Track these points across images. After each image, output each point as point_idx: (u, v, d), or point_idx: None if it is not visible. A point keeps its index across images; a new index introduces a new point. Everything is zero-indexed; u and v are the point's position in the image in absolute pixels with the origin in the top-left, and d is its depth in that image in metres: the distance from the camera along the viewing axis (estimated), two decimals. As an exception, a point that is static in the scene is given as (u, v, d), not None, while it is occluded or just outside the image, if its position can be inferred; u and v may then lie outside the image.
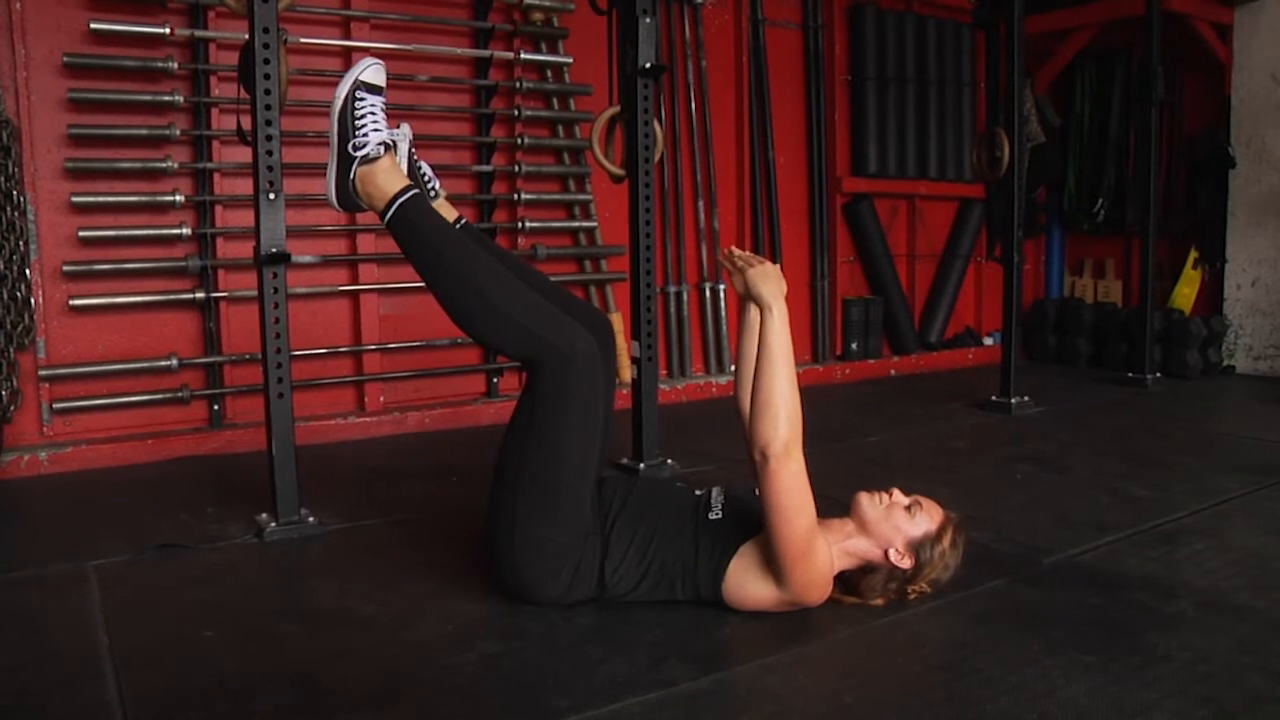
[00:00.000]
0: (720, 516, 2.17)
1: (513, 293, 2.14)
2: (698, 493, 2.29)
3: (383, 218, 2.21)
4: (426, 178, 2.41)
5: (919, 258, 6.50)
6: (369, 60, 2.21)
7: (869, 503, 2.18)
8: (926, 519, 2.16)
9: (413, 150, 2.38)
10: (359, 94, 2.18)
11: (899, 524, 2.15)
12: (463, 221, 2.45)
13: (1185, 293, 6.32)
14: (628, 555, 2.15)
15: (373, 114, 2.19)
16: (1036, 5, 5.75)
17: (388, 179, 2.19)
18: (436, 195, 2.44)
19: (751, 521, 2.14)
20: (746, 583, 2.10)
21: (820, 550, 2.06)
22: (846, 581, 2.19)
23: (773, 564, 2.05)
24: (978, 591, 2.34)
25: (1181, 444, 4.07)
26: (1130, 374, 5.66)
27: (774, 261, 5.60)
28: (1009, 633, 2.10)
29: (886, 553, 2.14)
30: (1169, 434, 4.28)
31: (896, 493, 2.21)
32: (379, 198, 2.20)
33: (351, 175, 2.20)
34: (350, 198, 2.24)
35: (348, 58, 4.30)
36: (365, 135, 2.18)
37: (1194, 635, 2.08)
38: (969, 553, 2.25)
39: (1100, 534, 2.79)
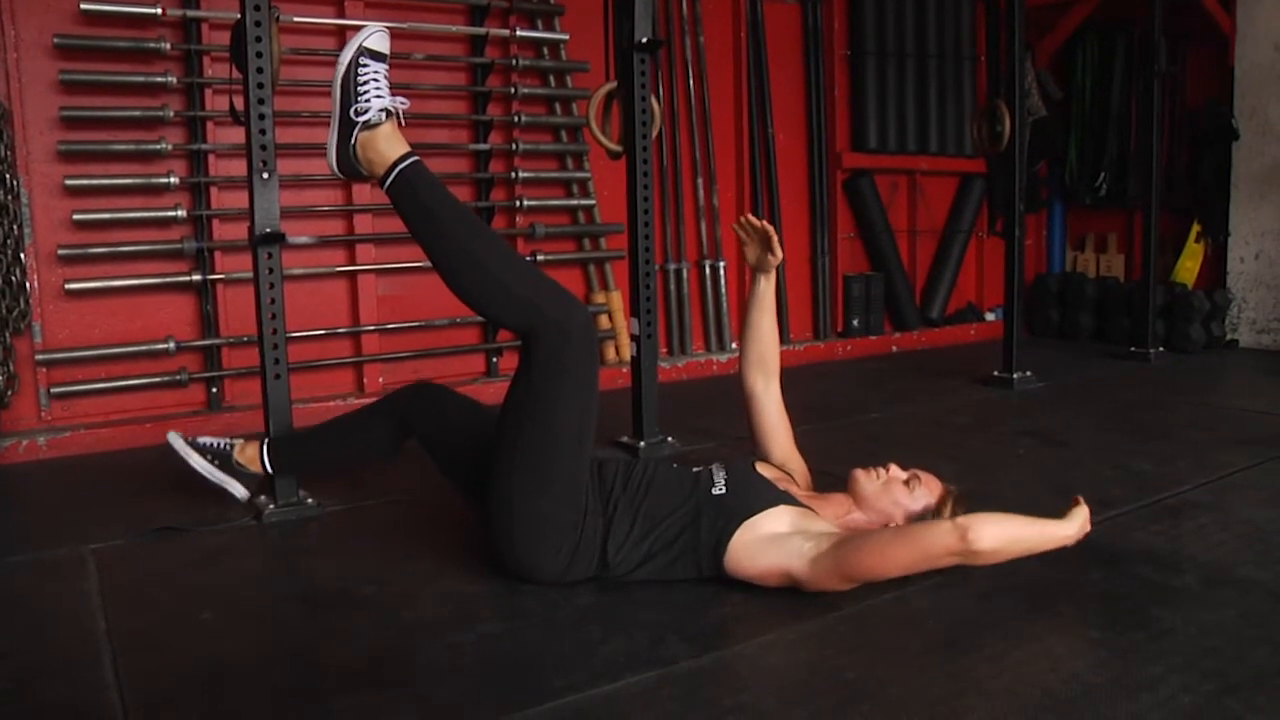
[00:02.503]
0: (724, 491, 2.15)
1: (511, 263, 2.14)
2: (696, 469, 2.27)
3: (383, 184, 2.20)
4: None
5: (920, 233, 6.47)
6: (374, 26, 2.20)
7: (866, 479, 2.19)
8: (926, 493, 2.15)
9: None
10: (362, 60, 2.17)
11: (898, 499, 2.15)
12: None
13: (1188, 266, 6.29)
14: (631, 534, 2.14)
15: (375, 80, 2.18)
16: (1037, -23, 5.71)
17: (389, 145, 2.18)
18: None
19: (753, 494, 2.13)
20: (756, 554, 2.07)
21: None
22: None
23: (832, 556, 2.01)
24: (981, 567, 2.32)
25: (1185, 418, 4.05)
26: (1133, 348, 5.63)
27: (776, 237, 5.60)
28: (1012, 608, 2.09)
29: (887, 527, 2.13)
30: (1172, 408, 4.26)
31: (894, 467, 2.21)
32: (379, 163, 2.19)
33: (353, 140, 2.19)
34: (351, 163, 2.23)
35: (342, 36, 4.26)
36: (368, 101, 2.16)
37: (1199, 609, 2.07)
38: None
39: (1104, 508, 2.77)
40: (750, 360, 2.55)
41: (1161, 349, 5.65)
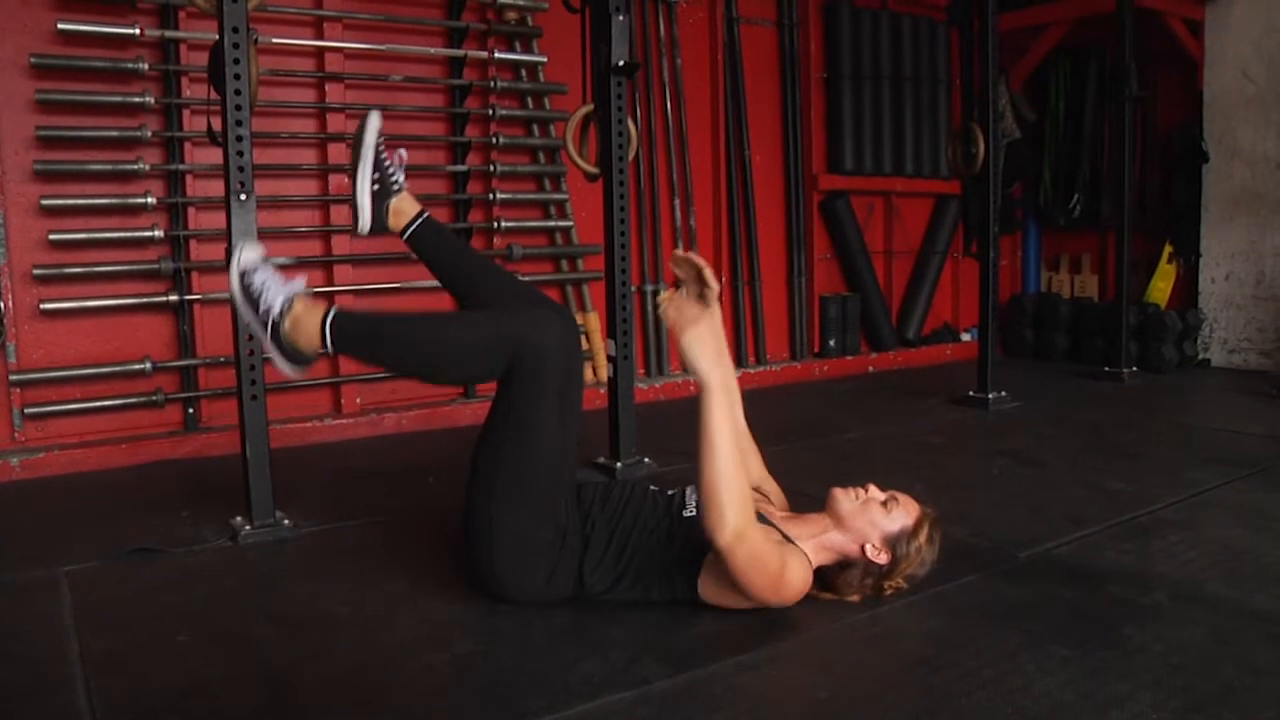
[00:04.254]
0: (694, 514, 2.16)
1: (467, 320, 2.23)
2: (670, 492, 2.28)
3: (327, 351, 2.21)
4: (392, 175, 2.48)
5: (896, 254, 6.52)
6: (240, 246, 2.24)
7: (844, 498, 2.19)
8: (903, 514, 2.17)
9: (381, 146, 2.46)
10: (245, 281, 2.21)
11: (875, 519, 2.15)
12: (425, 215, 2.50)
13: (1160, 287, 6.36)
14: (606, 555, 2.15)
15: (265, 283, 2.21)
16: (1010, 2, 5.78)
17: (309, 319, 2.18)
18: (400, 189, 2.49)
19: None
20: (723, 583, 2.08)
21: (793, 571, 2.05)
22: (823, 577, 2.19)
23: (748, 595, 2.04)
24: (954, 586, 2.35)
25: (1157, 437, 4.09)
26: (1107, 368, 5.68)
27: (750, 260, 5.63)
28: (985, 627, 2.11)
29: (863, 548, 2.15)
30: (1145, 427, 4.30)
31: (873, 488, 2.22)
32: (313, 336, 2.18)
33: (282, 339, 2.20)
34: (298, 356, 2.23)
35: (320, 58, 4.28)
36: (269, 302, 2.19)
37: (1168, 627, 2.09)
38: (945, 547, 2.25)
39: (1076, 527, 2.80)
40: None
41: (1135, 368, 5.70)
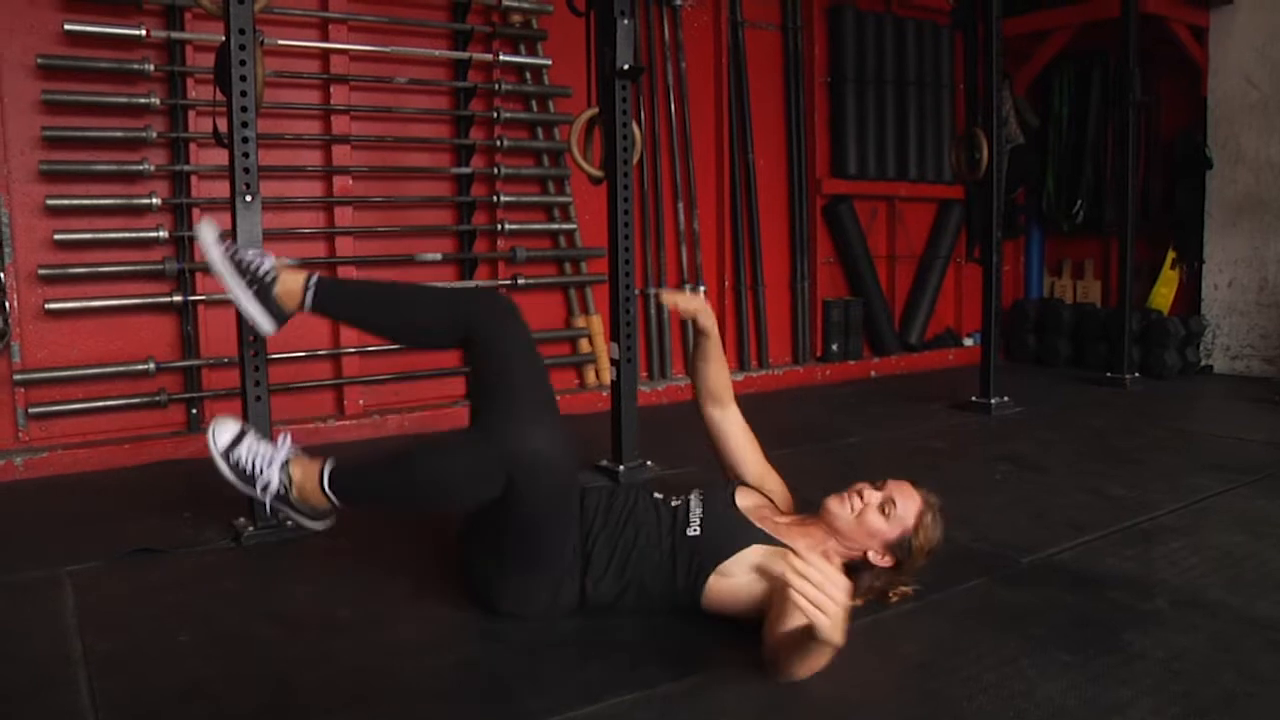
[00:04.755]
0: (698, 533, 2.14)
1: (456, 443, 2.12)
2: (674, 503, 2.24)
3: (333, 501, 2.17)
4: (258, 267, 2.35)
5: (899, 259, 6.52)
6: (212, 429, 2.21)
7: (840, 512, 2.15)
8: (900, 517, 2.13)
9: (229, 250, 2.35)
10: (231, 462, 2.19)
11: (874, 529, 2.13)
12: (313, 278, 2.37)
13: (1163, 293, 6.37)
14: (608, 571, 2.13)
15: (253, 456, 2.19)
16: (1014, 7, 5.78)
17: (308, 484, 2.16)
18: (274, 275, 2.35)
19: (726, 536, 2.13)
20: (728, 600, 2.09)
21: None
22: None
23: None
24: (956, 591, 2.35)
25: (1159, 443, 4.09)
26: (1109, 374, 5.68)
27: (753, 264, 5.64)
28: (986, 632, 2.11)
29: (865, 555, 2.14)
30: (1147, 433, 4.30)
31: (867, 492, 2.17)
32: (317, 495, 2.16)
33: (295, 504, 2.19)
34: (317, 513, 2.24)
35: (326, 60, 4.29)
36: (268, 476, 2.17)
37: (1170, 633, 2.10)
38: (947, 553, 2.25)
39: (1078, 533, 2.80)
40: (701, 395, 2.56)
41: (1137, 374, 5.70)
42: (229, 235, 2.43)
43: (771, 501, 2.41)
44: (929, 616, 2.20)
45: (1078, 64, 6.64)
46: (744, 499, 2.31)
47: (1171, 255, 6.35)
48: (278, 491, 2.15)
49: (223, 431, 2.19)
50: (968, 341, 6.73)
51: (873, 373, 6.12)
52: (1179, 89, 6.33)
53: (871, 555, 2.14)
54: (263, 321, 2.34)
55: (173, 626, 2.15)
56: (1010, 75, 6.44)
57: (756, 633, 1.93)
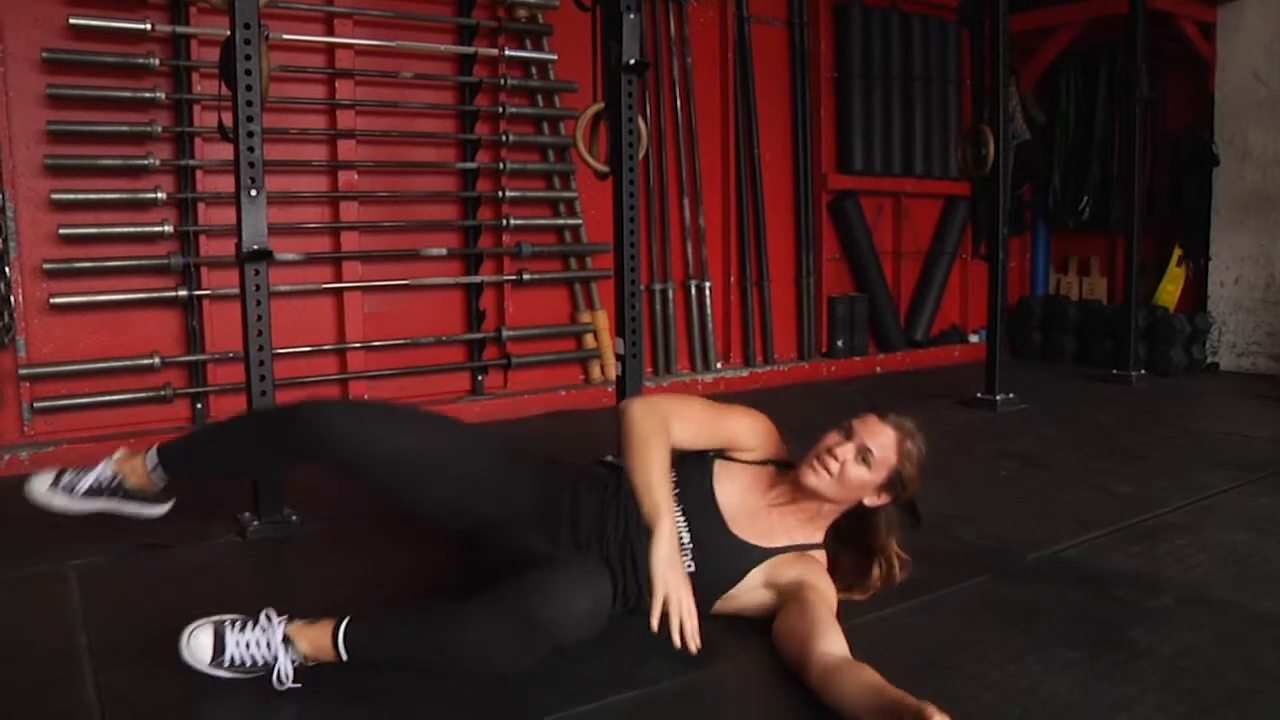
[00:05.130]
0: (694, 569, 2.02)
1: (474, 612, 1.79)
2: None
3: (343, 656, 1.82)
4: (96, 479, 2.32)
5: (904, 255, 6.51)
6: (185, 640, 1.81)
7: (817, 481, 2.03)
8: (881, 459, 2.03)
9: (65, 484, 2.32)
10: (224, 662, 1.81)
11: (859, 481, 2.03)
12: (152, 447, 2.31)
13: (1169, 290, 6.35)
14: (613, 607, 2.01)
15: (248, 652, 1.81)
16: (1021, 3, 5.75)
17: (317, 636, 1.82)
18: (117, 472, 2.32)
19: (724, 567, 2.07)
20: (732, 611, 2.09)
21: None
22: (844, 577, 2.16)
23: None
24: (961, 588, 2.35)
25: (1165, 440, 4.08)
26: (1115, 371, 5.67)
27: (758, 260, 5.63)
28: (992, 629, 2.11)
29: (861, 503, 2.10)
30: (1153, 430, 4.29)
31: (838, 448, 2.03)
32: (324, 640, 1.81)
33: (296, 664, 1.82)
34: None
35: (331, 54, 4.29)
36: (273, 655, 1.80)
37: (1175, 630, 2.09)
38: (952, 550, 2.25)
39: (1084, 530, 2.80)
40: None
41: (1143, 371, 5.69)
42: (55, 474, 2.34)
43: (756, 464, 2.20)
44: (934, 613, 2.20)
45: (1084, 60, 6.62)
46: (727, 491, 2.13)
47: (1178, 252, 6.33)
48: (288, 674, 1.81)
49: (198, 644, 1.79)
50: (973, 338, 6.72)
51: (878, 369, 6.12)
52: (1186, 85, 6.31)
53: (867, 501, 2.08)
54: (152, 511, 2.33)
55: (179, 622, 2.14)
56: (1017, 71, 6.42)
57: (759, 630, 1.93)
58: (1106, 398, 5.16)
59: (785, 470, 2.18)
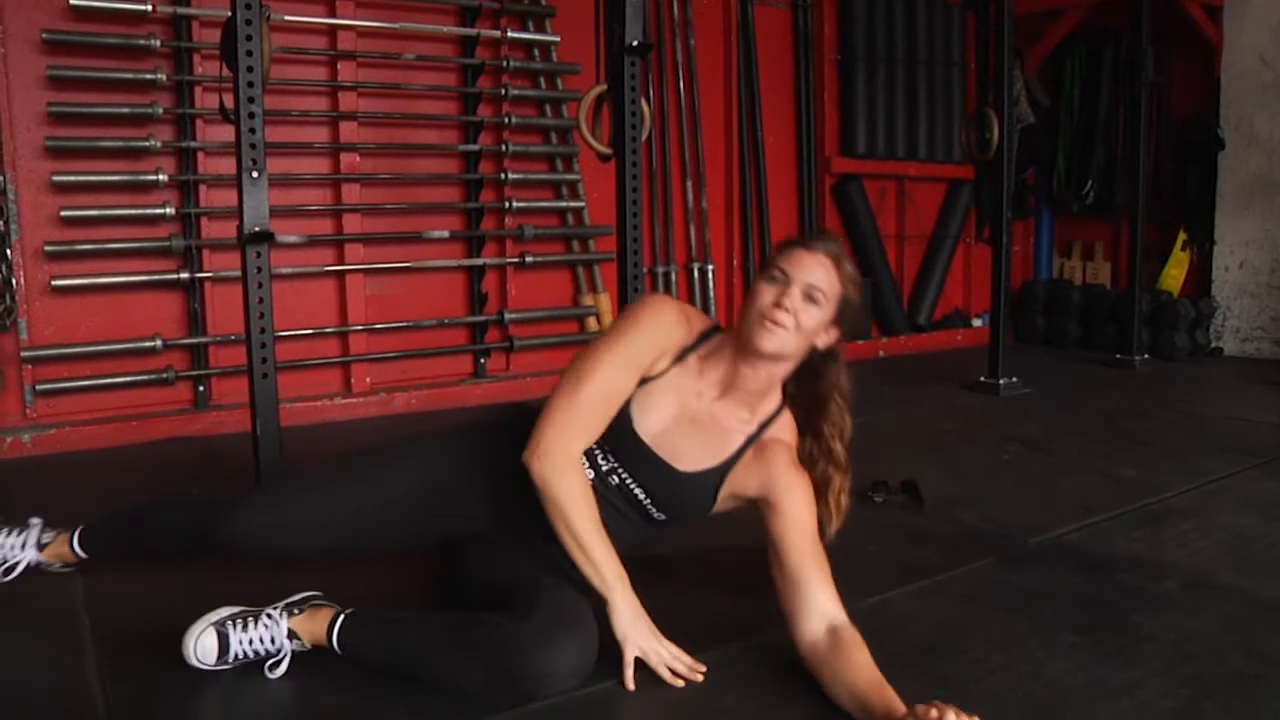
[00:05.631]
0: (665, 517, 2.00)
1: (465, 626, 1.75)
2: (613, 481, 1.96)
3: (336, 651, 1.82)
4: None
5: (908, 239, 6.49)
6: (188, 642, 1.78)
7: (775, 342, 1.83)
8: (828, 290, 1.85)
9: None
10: (232, 664, 1.81)
11: (815, 322, 1.86)
12: (78, 529, 2.29)
13: (1174, 274, 6.33)
14: None
15: (253, 644, 1.81)
16: (1026, -15, 5.73)
17: (314, 628, 1.83)
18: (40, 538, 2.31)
19: (688, 506, 2.01)
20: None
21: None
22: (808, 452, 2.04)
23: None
24: (963, 572, 2.35)
25: (1169, 425, 4.08)
26: (1118, 355, 5.66)
27: (761, 243, 5.62)
28: (994, 613, 2.10)
29: (814, 346, 1.93)
30: (1156, 415, 4.28)
31: (784, 298, 1.83)
32: (320, 633, 1.83)
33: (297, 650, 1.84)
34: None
35: (333, 35, 4.27)
36: (283, 648, 1.81)
37: (1179, 615, 2.09)
38: (955, 533, 2.24)
39: (1087, 514, 2.79)
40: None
41: (1147, 356, 5.68)
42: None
43: (675, 365, 1.95)
44: (935, 598, 2.19)
45: (1089, 43, 6.59)
46: (657, 427, 1.94)
47: (1182, 237, 6.31)
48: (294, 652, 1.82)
49: (203, 649, 1.78)
50: (976, 322, 6.71)
51: (881, 353, 6.11)
52: (1191, 69, 6.28)
53: (820, 342, 1.91)
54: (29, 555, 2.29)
55: (182, 605, 2.14)
56: (1021, 54, 6.38)
57: (767, 608, 1.92)
58: (1110, 382, 5.15)
59: (711, 339, 1.98)
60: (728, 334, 1.97)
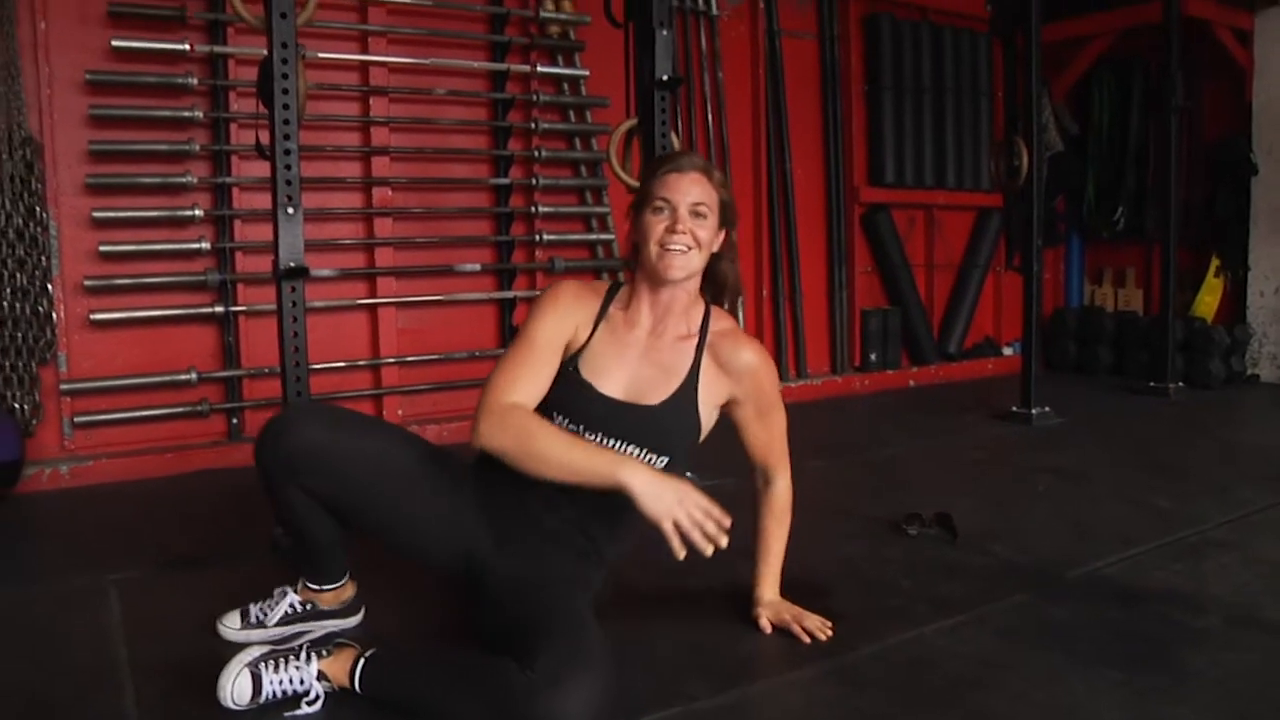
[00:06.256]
0: (667, 460, 2.03)
1: (479, 665, 1.75)
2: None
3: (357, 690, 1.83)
4: None
5: (937, 267, 6.47)
6: (224, 683, 1.80)
7: (681, 264, 2.00)
8: (711, 203, 2.04)
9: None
10: (266, 693, 1.82)
11: (709, 238, 2.05)
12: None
13: (1207, 301, 6.26)
14: (616, 530, 2.06)
15: (284, 686, 1.82)
16: (1053, 13, 5.71)
17: (339, 670, 1.84)
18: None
19: (676, 436, 2.06)
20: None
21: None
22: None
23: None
24: (1000, 606, 2.32)
25: (1205, 454, 4.03)
26: (1152, 383, 5.60)
27: (790, 273, 5.62)
28: (1032, 648, 2.08)
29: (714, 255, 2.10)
30: (1192, 444, 4.23)
31: (677, 224, 1.99)
32: (343, 674, 1.84)
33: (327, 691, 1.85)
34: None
35: (365, 72, 4.33)
36: (313, 690, 1.83)
37: (1222, 650, 2.05)
38: (989, 566, 2.21)
39: (1124, 546, 2.76)
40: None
41: (1181, 384, 5.62)
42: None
43: (597, 324, 2.09)
44: (973, 632, 2.17)
45: (1117, 70, 6.56)
46: (615, 379, 2.03)
47: (1215, 262, 6.25)
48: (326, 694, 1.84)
49: (239, 690, 1.79)
50: (1007, 350, 6.67)
51: (911, 382, 6.08)
52: (1222, 93, 6.24)
53: (716, 247, 2.10)
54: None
55: (217, 637, 2.16)
56: (1049, 82, 6.37)
57: (801, 646, 1.91)
58: (1144, 411, 5.10)
59: (619, 291, 2.16)
60: (633, 278, 2.13)
